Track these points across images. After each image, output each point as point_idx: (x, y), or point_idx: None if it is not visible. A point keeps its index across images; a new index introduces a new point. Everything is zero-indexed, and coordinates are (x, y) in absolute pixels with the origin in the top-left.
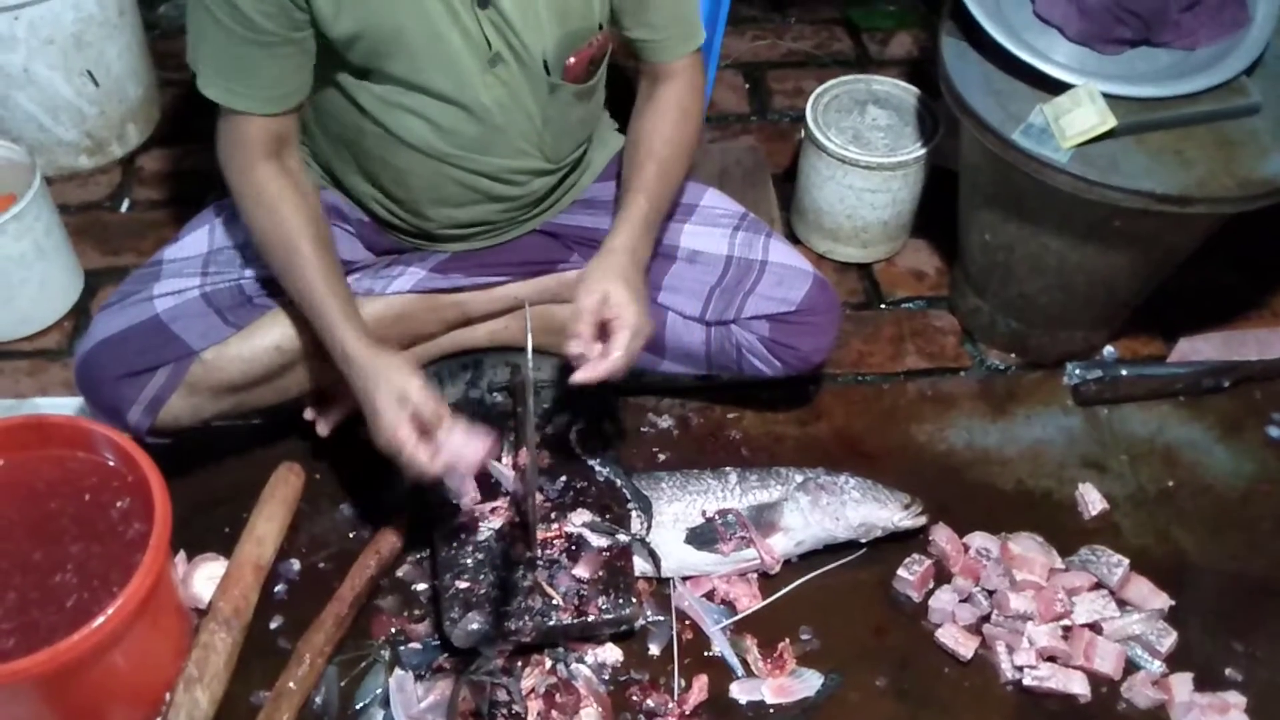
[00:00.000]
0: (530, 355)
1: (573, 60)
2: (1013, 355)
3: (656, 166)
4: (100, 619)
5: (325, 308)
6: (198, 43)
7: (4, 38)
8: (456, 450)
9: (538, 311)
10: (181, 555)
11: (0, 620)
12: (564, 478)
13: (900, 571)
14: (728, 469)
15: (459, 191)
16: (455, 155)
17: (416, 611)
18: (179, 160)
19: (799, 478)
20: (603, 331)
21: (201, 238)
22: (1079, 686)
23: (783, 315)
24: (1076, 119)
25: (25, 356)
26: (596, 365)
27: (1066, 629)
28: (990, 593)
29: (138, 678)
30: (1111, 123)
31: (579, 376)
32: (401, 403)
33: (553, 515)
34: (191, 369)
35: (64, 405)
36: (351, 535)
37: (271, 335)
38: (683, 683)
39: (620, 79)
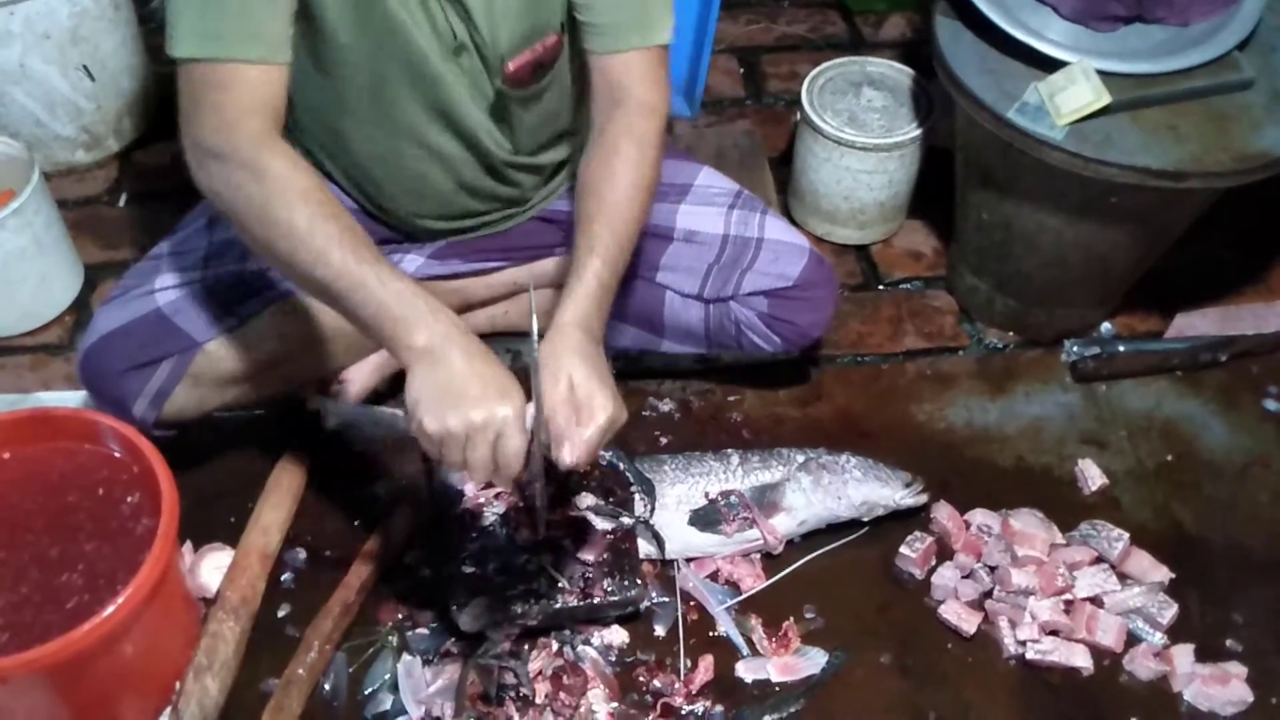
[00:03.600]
0: (535, 338)
1: (513, 66)
2: (1010, 333)
3: (609, 218)
4: (111, 608)
5: (394, 284)
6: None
7: (0, 33)
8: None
9: (539, 295)
10: (188, 546)
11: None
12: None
13: (902, 549)
14: (730, 450)
15: (441, 185)
16: (430, 141)
17: (423, 597)
18: (176, 154)
19: (800, 458)
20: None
21: (201, 230)
22: (1081, 660)
23: (780, 291)
24: (1071, 96)
25: (27, 351)
26: (575, 447)
27: (1068, 603)
28: (992, 569)
29: (148, 667)
30: (1106, 99)
31: (567, 459)
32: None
33: (557, 500)
34: (195, 361)
35: (67, 399)
36: (357, 523)
37: (275, 325)
38: (689, 663)
39: None
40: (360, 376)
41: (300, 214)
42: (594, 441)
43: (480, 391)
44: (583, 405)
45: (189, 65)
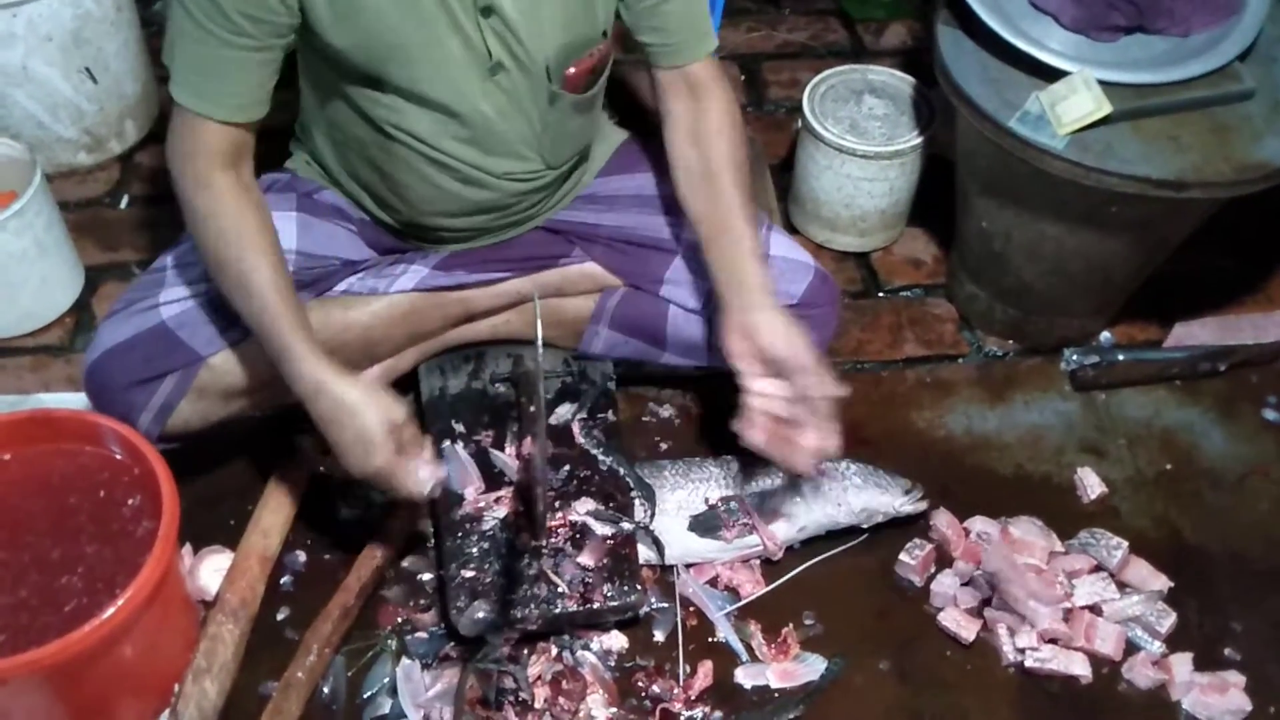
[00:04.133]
0: (540, 346)
1: (573, 70)
2: (1010, 341)
3: (742, 193)
4: (110, 610)
5: (283, 332)
6: (174, 43)
7: (3, 35)
8: (434, 468)
9: (544, 304)
10: (187, 548)
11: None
12: (567, 467)
13: (902, 556)
14: (730, 457)
15: (456, 201)
16: (453, 163)
17: (423, 601)
18: None
19: None
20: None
21: None
22: (1080, 668)
23: (784, 308)
24: (1072, 106)
25: (28, 353)
26: (824, 436)
27: (1068, 611)
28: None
29: (147, 669)
30: (1107, 109)
31: (820, 445)
32: (391, 429)
33: (557, 504)
34: (199, 375)
35: (68, 400)
36: (357, 526)
37: None
38: (688, 668)
39: (617, 74)
40: None
41: (210, 257)
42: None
43: (353, 451)
44: (812, 361)
45: (175, 101)
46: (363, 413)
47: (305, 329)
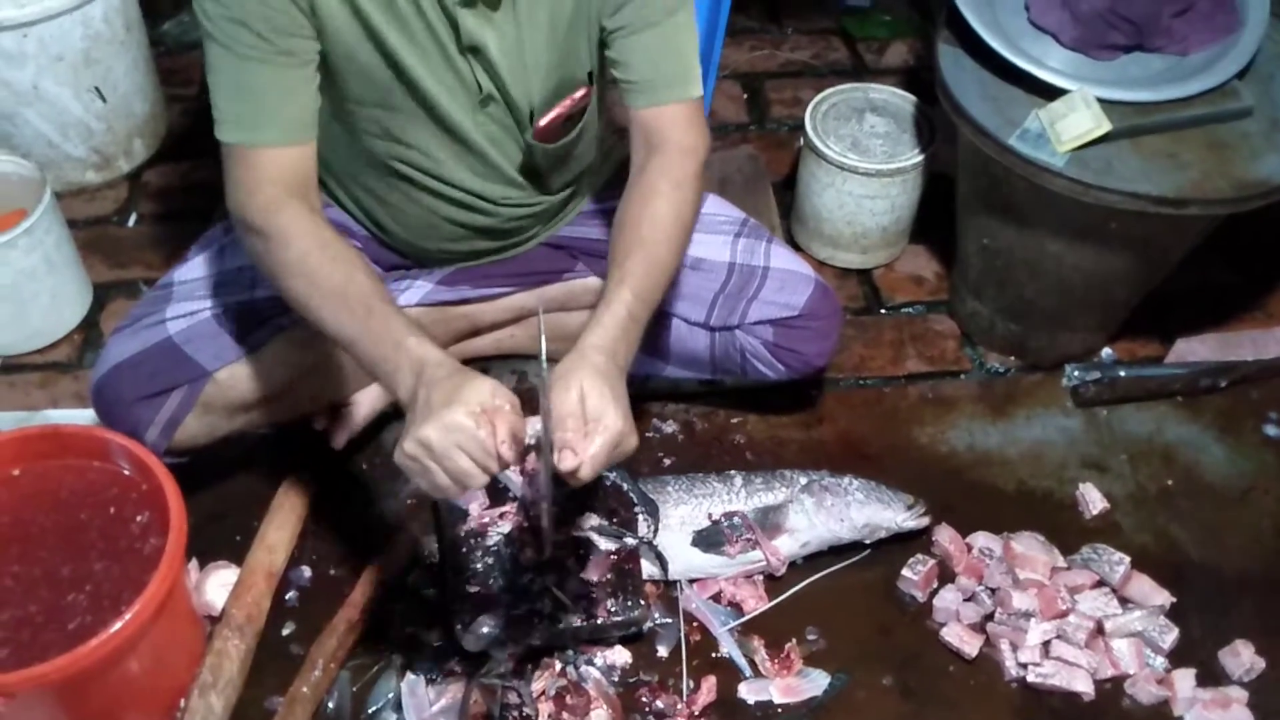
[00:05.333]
0: (545, 360)
1: (543, 122)
2: (1012, 358)
3: (643, 254)
4: (118, 625)
5: (396, 328)
6: (214, 85)
7: (13, 55)
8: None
9: (548, 319)
10: (194, 563)
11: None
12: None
13: (904, 571)
14: (733, 472)
15: (455, 229)
16: (450, 191)
17: (427, 616)
18: (185, 175)
19: (803, 480)
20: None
21: (210, 258)
22: (1082, 684)
23: (786, 320)
24: (1072, 123)
25: (36, 369)
26: (577, 457)
27: (1090, 634)
28: (993, 591)
29: (153, 683)
30: (1106, 127)
31: (567, 465)
32: (497, 395)
33: (561, 520)
34: (206, 390)
35: (76, 417)
36: (362, 542)
37: (283, 353)
38: (691, 684)
39: None
40: (367, 400)
41: (297, 277)
42: (598, 456)
43: (434, 410)
44: (591, 419)
45: (225, 146)
46: (475, 376)
47: (417, 327)
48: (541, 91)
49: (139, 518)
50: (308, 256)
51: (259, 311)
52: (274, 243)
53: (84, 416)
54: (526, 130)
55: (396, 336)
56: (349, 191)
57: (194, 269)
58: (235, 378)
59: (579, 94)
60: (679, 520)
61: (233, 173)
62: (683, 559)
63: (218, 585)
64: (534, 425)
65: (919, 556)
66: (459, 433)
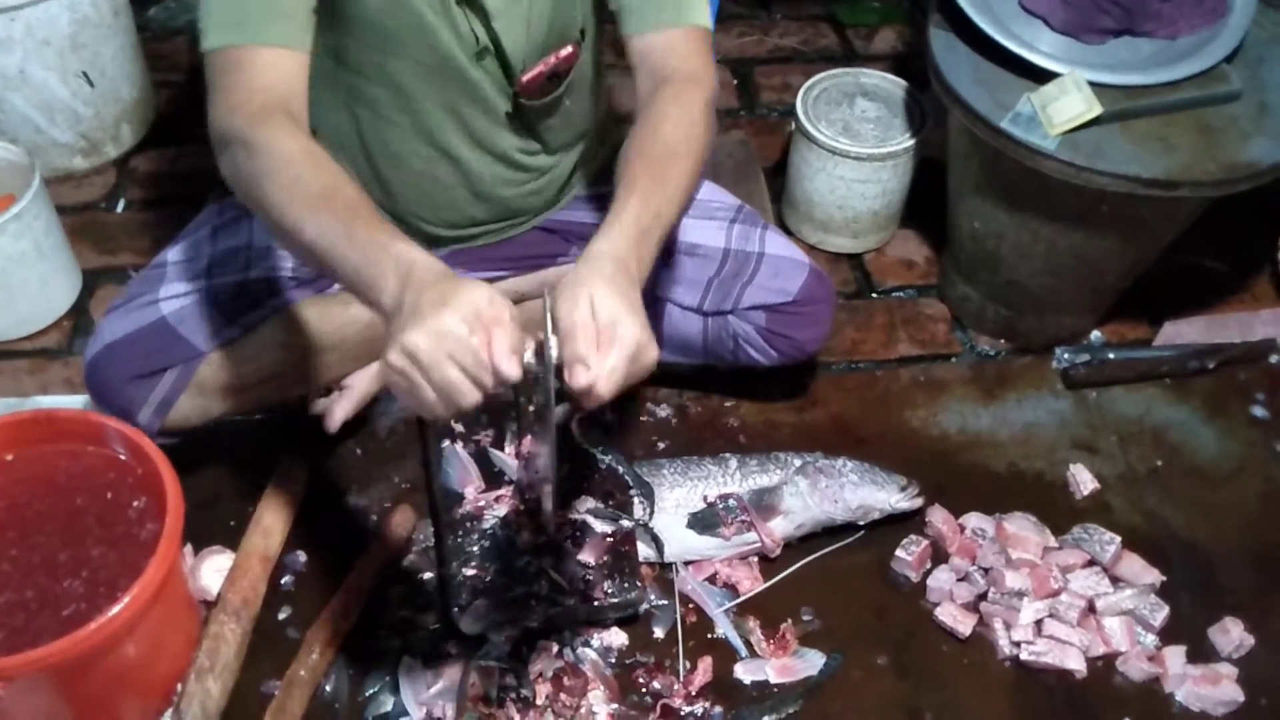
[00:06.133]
0: (550, 344)
1: (526, 78)
2: (1002, 341)
3: (650, 168)
4: (115, 609)
5: (378, 228)
6: None
7: (0, 40)
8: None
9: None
10: (189, 549)
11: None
12: (567, 465)
13: (898, 552)
14: (727, 455)
15: (446, 194)
16: (443, 146)
17: (424, 599)
18: (173, 160)
19: (798, 462)
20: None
21: (204, 238)
22: (1075, 662)
23: (780, 306)
24: (1063, 107)
25: (26, 356)
26: (593, 372)
27: (1082, 613)
28: (986, 571)
29: (150, 668)
30: (1097, 110)
31: (582, 380)
32: (493, 303)
33: (557, 501)
34: (199, 370)
35: (66, 403)
36: (357, 526)
37: (277, 334)
38: (688, 665)
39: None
40: (361, 383)
41: (280, 182)
42: (617, 368)
43: (423, 314)
44: (605, 328)
45: (213, 55)
46: (467, 280)
47: (403, 235)
48: (535, 46)
49: (135, 503)
50: (292, 161)
51: (253, 293)
52: (257, 151)
53: (75, 403)
54: (510, 84)
55: (381, 239)
56: (350, 149)
57: (187, 249)
58: (229, 359)
59: (565, 51)
60: (674, 503)
61: (219, 83)
62: (678, 541)
63: (213, 570)
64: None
65: (912, 537)
66: (450, 339)
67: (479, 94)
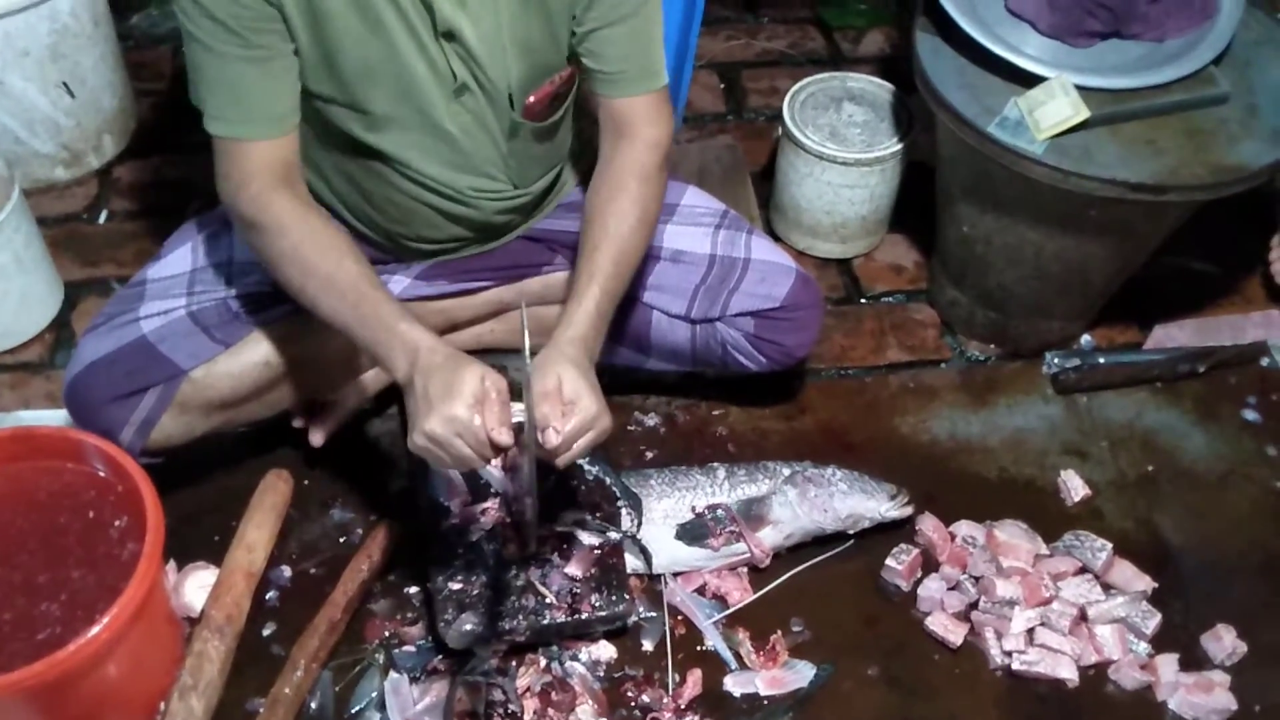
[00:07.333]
0: (528, 352)
1: (532, 99)
2: (992, 346)
3: (612, 250)
4: (95, 629)
5: (387, 314)
6: (197, 81)
7: None
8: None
9: (527, 313)
10: (172, 565)
11: None
12: (553, 477)
13: (888, 561)
14: (716, 464)
15: (432, 219)
16: (425, 180)
17: (410, 614)
18: (156, 170)
19: (786, 471)
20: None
21: (184, 255)
22: (1066, 670)
23: (767, 311)
24: (1050, 111)
25: (6, 370)
26: (556, 434)
27: (1074, 621)
28: (977, 579)
29: (132, 687)
30: (1085, 114)
31: (552, 441)
32: (487, 383)
33: (543, 515)
34: (181, 389)
35: (47, 418)
36: (342, 540)
37: (260, 351)
38: (677, 677)
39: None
40: (345, 398)
41: (292, 267)
42: (574, 433)
43: (434, 404)
44: (568, 401)
45: (214, 138)
46: (465, 364)
47: (407, 312)
48: (519, 75)
49: (117, 522)
50: (300, 246)
51: (233, 309)
52: (268, 234)
53: (56, 417)
54: (506, 114)
55: (388, 322)
56: (328, 181)
57: (167, 266)
58: (211, 376)
59: (565, 73)
60: (662, 513)
61: (221, 165)
62: (666, 552)
63: (196, 586)
64: (518, 409)
65: (903, 546)
66: (458, 423)
67: (457, 131)
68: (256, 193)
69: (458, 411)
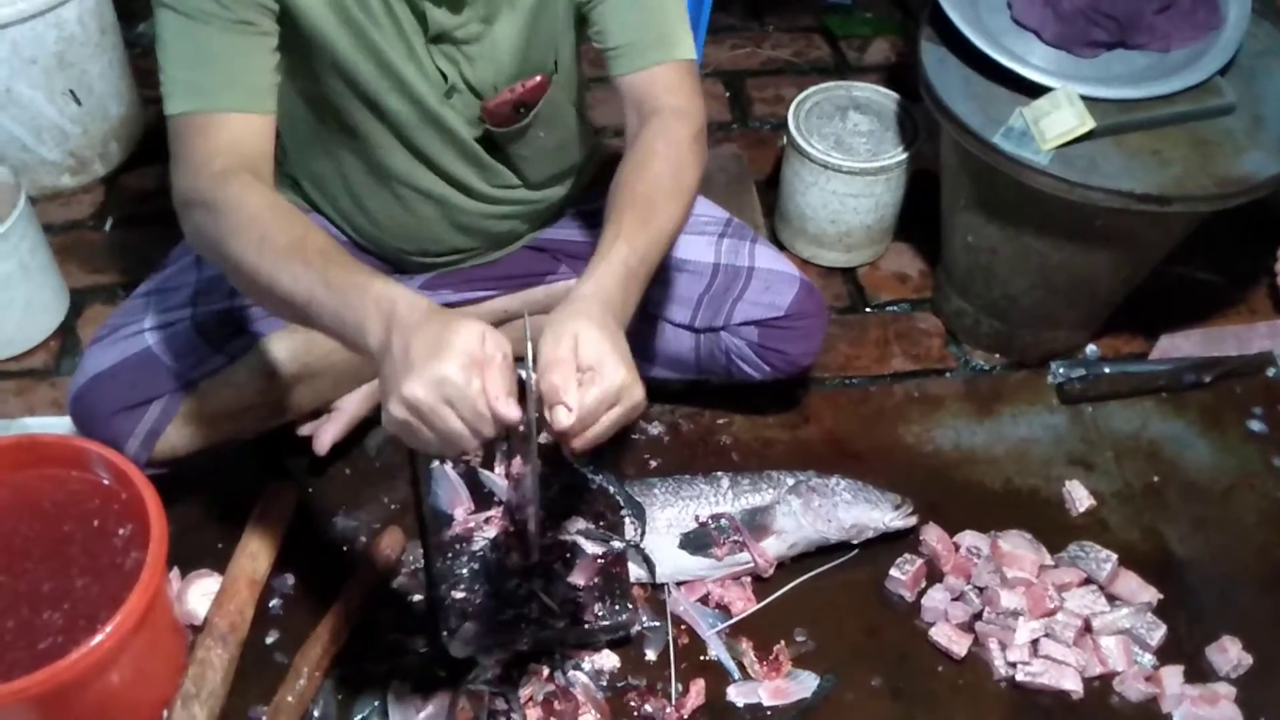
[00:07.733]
0: (530, 362)
1: (491, 105)
2: (997, 355)
3: (637, 209)
4: (98, 638)
5: (358, 274)
6: (164, 51)
7: None
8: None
9: (531, 322)
10: (175, 572)
11: None
12: (557, 486)
13: (892, 571)
14: (719, 473)
15: (427, 224)
16: (416, 182)
17: (413, 623)
18: (162, 178)
19: (790, 480)
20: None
21: (189, 266)
22: (1071, 682)
23: (771, 320)
24: (1056, 121)
25: (12, 377)
26: (571, 411)
27: (1078, 632)
28: (981, 590)
29: (135, 695)
30: (1090, 124)
31: (562, 422)
32: (485, 343)
33: (547, 523)
34: (186, 400)
35: (53, 425)
36: (345, 549)
37: (264, 361)
38: (680, 687)
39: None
40: (350, 406)
41: (247, 238)
42: (595, 406)
43: (417, 362)
44: (586, 368)
45: (174, 120)
46: (457, 318)
47: (385, 276)
48: (508, 78)
49: (121, 530)
50: (259, 216)
51: (238, 320)
52: (220, 210)
53: (61, 424)
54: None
55: (359, 280)
56: (325, 193)
57: (171, 277)
58: (216, 387)
59: (532, 81)
60: (666, 523)
61: (181, 150)
62: (670, 562)
63: (200, 594)
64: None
65: (907, 556)
66: (448, 386)
67: (452, 134)
68: (219, 170)
69: (447, 371)
